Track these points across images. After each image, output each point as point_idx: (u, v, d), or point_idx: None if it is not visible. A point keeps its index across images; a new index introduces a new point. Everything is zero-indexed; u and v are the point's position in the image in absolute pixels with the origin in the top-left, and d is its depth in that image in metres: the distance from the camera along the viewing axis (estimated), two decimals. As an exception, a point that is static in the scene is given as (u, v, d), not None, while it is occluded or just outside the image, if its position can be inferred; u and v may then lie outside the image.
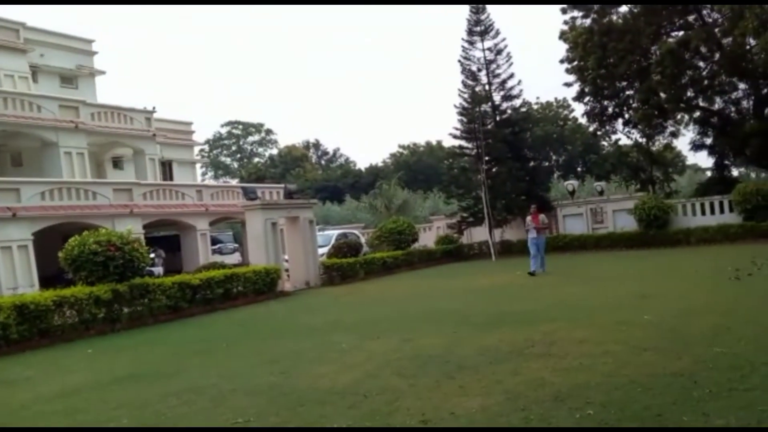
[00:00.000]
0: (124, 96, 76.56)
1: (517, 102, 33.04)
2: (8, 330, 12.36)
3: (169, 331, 13.91)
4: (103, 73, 34.53)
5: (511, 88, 32.43)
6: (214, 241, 31.47)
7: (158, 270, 24.10)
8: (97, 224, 21.64)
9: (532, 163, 35.44)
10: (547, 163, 63.22)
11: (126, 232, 15.60)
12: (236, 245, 33.74)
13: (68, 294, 13.65)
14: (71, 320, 13.68)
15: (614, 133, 34.97)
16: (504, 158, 30.85)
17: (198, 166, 44.82)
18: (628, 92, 33.30)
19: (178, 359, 10.21)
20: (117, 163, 32.47)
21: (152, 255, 21.12)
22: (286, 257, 22.65)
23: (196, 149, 41.34)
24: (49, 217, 22.14)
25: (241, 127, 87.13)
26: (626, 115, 33.64)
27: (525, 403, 5.85)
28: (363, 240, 30.19)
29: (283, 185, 32.16)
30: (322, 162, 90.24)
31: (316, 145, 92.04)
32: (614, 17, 31.34)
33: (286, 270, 21.98)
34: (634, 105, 32.73)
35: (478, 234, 31.59)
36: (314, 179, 72.48)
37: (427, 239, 33.80)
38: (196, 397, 7.25)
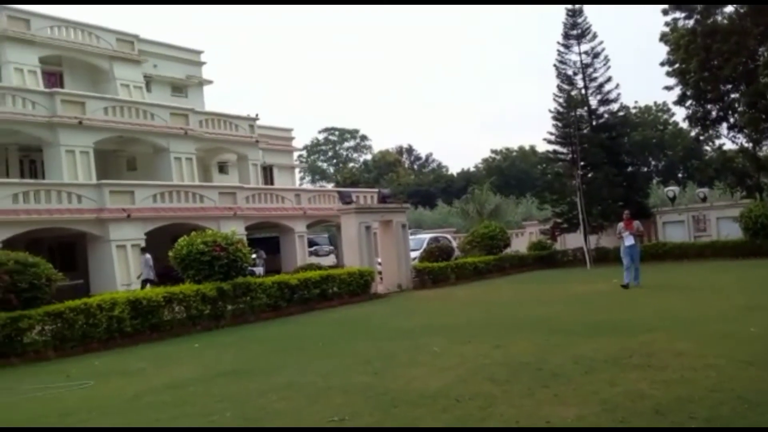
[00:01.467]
0: (228, 104, 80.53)
1: (615, 106, 32.22)
2: (123, 323, 13.31)
3: (269, 329, 14.52)
4: (210, 82, 36.34)
5: (609, 92, 31.63)
6: (311, 243, 32.39)
7: (259, 270, 25.09)
8: (204, 225, 22.87)
9: (629, 169, 34.36)
10: (645, 169, 60.80)
11: (230, 234, 16.42)
12: (332, 247, 34.56)
13: (177, 291, 14.53)
14: (180, 316, 14.56)
15: (718, 137, 33.24)
16: (600, 163, 30.07)
17: (296, 170, 46.22)
18: (733, 95, 31.61)
19: (277, 356, 10.68)
20: (222, 167, 34.06)
21: (254, 256, 22.04)
22: (379, 260, 23.03)
23: (295, 155, 42.59)
24: (160, 218, 23.55)
25: (337, 133, 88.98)
26: (731, 119, 31.94)
27: (624, 415, 5.76)
28: (454, 244, 30.20)
29: (377, 190, 32.71)
30: (415, 167, 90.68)
31: (409, 150, 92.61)
32: (719, 18, 29.89)
33: (379, 273, 22.34)
34: (739, 108, 31.04)
35: (573, 240, 30.90)
36: (407, 184, 72.97)
37: (519, 245, 33.38)
38: (294, 394, 7.57)
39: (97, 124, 25.30)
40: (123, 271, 22.06)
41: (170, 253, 15.85)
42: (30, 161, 27.12)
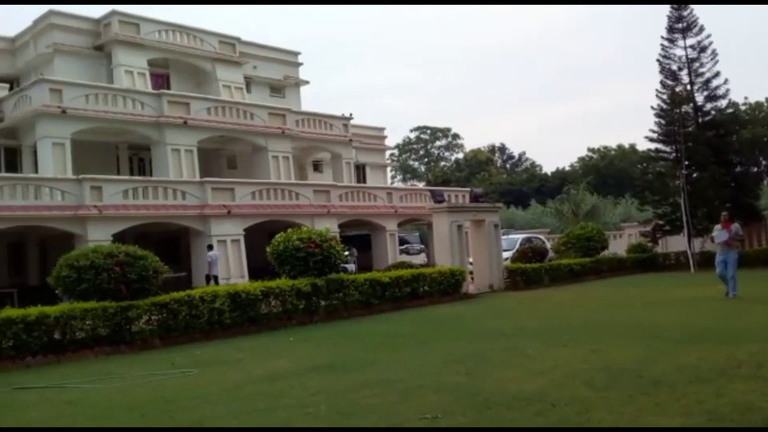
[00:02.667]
0: (323, 103, 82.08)
1: (723, 102, 30.62)
2: (223, 315, 13.86)
3: (361, 325, 14.72)
4: (306, 82, 37.22)
5: (716, 87, 30.05)
6: (402, 242, 32.54)
7: (351, 267, 25.47)
8: (298, 222, 23.45)
9: (738, 169, 32.58)
10: (756, 169, 57.25)
11: (325, 231, 16.76)
12: (422, 246, 34.60)
13: (274, 285, 14.99)
14: (276, 310, 15.01)
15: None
16: (706, 163, 28.61)
17: (388, 169, 46.61)
18: None
19: (369, 352, 10.81)
20: (317, 166, 34.83)
21: (346, 253, 22.42)
22: (471, 260, 22.87)
23: (387, 153, 42.94)
24: (257, 214, 24.36)
25: (429, 131, 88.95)
26: None
27: (731, 427, 5.48)
28: (548, 245, 29.54)
29: (468, 189, 32.44)
30: (507, 166, 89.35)
31: (501, 149, 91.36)
32: None
33: (471, 272, 22.19)
34: None
35: (675, 243, 29.58)
36: (499, 183, 72.00)
37: (618, 247, 32.23)
38: (386, 390, 7.62)
39: (201, 124, 26.46)
40: (223, 265, 22.94)
41: (268, 249, 16.35)
42: (139, 159, 28.72)
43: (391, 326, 14.28)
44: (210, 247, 22.36)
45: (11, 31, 30.23)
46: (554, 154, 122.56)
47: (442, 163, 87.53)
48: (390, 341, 11.87)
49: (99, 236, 19.98)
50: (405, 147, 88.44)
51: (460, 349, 10.47)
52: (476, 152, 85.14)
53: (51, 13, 27.82)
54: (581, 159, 76.90)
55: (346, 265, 23.78)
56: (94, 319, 12.15)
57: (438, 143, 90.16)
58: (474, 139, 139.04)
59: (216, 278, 21.33)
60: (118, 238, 19.89)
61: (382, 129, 40.01)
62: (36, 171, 23.45)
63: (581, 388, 7.13)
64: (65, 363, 11.31)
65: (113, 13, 28.38)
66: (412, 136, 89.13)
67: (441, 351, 10.40)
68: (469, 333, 12.54)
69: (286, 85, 35.91)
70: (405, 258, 28.20)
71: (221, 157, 30.59)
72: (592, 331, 11.72)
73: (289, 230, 16.45)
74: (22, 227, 20.62)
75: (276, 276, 16.12)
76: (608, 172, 68.22)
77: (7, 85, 26.53)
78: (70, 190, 20.59)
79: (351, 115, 33.54)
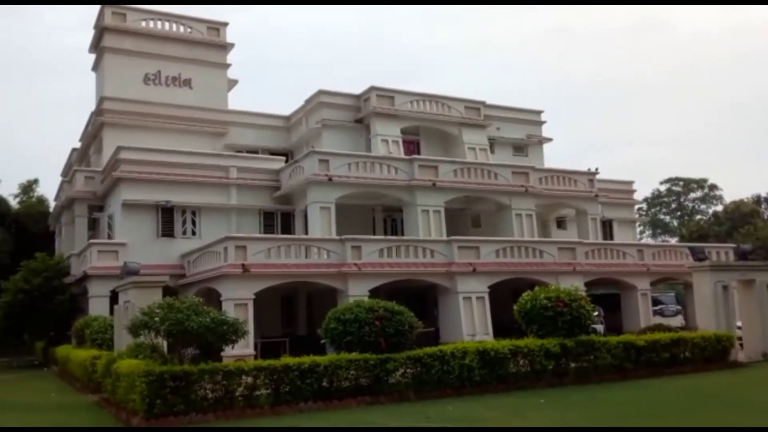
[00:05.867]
0: (565, 158, 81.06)
1: None
2: (472, 372, 14.22)
3: (615, 391, 14.07)
4: (549, 140, 37.15)
5: None
6: (655, 302, 30.40)
7: (600, 328, 24.42)
8: (542, 280, 23.20)
9: None
10: None
11: (573, 289, 16.45)
12: (678, 307, 31.96)
13: (522, 344, 15.04)
14: (524, 369, 14.99)
15: None
16: None
17: (637, 224, 44.13)
18: None
19: (627, 422, 10.31)
20: (560, 223, 34.26)
21: (595, 313, 21.64)
22: (739, 324, 20.67)
23: (635, 208, 40.78)
24: (501, 272, 24.59)
25: (681, 183, 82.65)
26: None
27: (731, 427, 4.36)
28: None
29: (734, 245, 29.48)
30: (777, 218, 79.12)
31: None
32: None
33: (739, 338, 20.04)
34: None
35: None
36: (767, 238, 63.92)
37: None
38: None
39: (448, 185, 27.70)
40: (468, 322, 23.43)
41: (515, 307, 16.47)
42: (392, 220, 30.82)
43: (650, 395, 13.44)
44: None
45: (285, 110, 34.82)
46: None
47: (698, 217, 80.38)
48: (650, 411, 11.21)
49: (358, 292, 21.75)
50: (654, 200, 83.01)
51: (731, 426, 9.55)
52: (738, 204, 76.77)
53: (320, 92, 31.61)
54: None
55: (595, 326, 22.90)
56: (357, 370, 13.25)
57: (692, 195, 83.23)
58: (734, 189, 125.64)
59: None
60: (374, 293, 21.43)
61: (630, 182, 38.22)
62: (306, 232, 26.36)
63: None
64: (333, 410, 12.43)
65: (372, 89, 31.36)
66: (663, 188, 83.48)
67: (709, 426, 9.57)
68: (741, 408, 11.35)
69: (528, 144, 36.20)
70: (659, 320, 26.29)
71: (466, 216, 31.56)
72: None
73: (537, 288, 16.43)
74: (294, 283, 23.20)
75: (522, 335, 16.11)
76: None
77: (284, 158, 30.42)
78: (335, 250, 22.77)
79: (597, 169, 32.65)
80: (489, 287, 24.18)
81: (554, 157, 72.02)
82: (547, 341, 15.28)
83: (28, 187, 45.36)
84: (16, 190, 45.39)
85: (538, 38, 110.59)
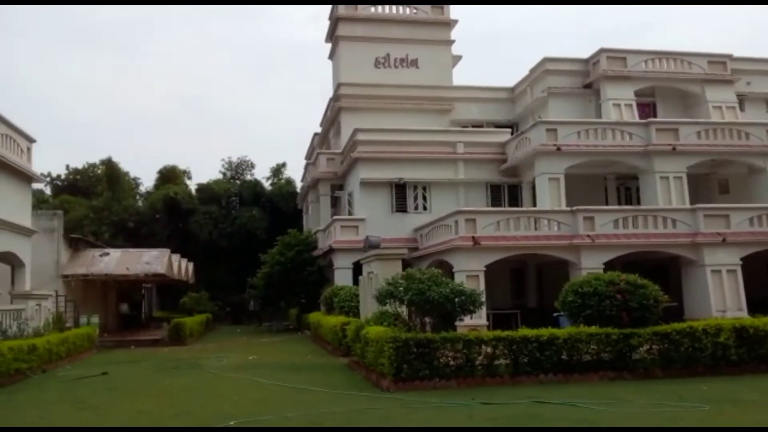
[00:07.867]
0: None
1: None
2: (728, 351, 13.09)
3: None
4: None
5: None
6: None
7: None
8: (811, 252, 20.50)
9: None
10: None
11: None
12: None
13: (787, 322, 13.49)
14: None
15: None
16: None
17: None
18: None
19: None
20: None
21: None
22: None
23: None
24: (757, 242, 22.18)
25: None
26: None
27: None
28: None
29: None
30: None
31: None
32: None
33: None
34: None
35: None
36: None
37: None
38: None
39: (690, 149, 25.49)
40: (718, 297, 21.52)
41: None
42: (625, 188, 29.19)
43: None
44: None
45: (509, 82, 34.45)
46: None
47: None
48: None
49: (591, 264, 21.03)
50: None
51: None
52: None
53: (546, 60, 30.84)
54: None
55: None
56: (598, 344, 12.89)
57: None
58: None
59: None
60: (608, 266, 20.56)
61: None
62: (534, 204, 26.02)
63: None
64: (573, 383, 12.29)
65: (601, 51, 29.87)
66: None
67: None
68: None
69: (786, 98, 31.99)
70: None
71: (712, 181, 28.80)
72: None
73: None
74: (524, 255, 23.10)
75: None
76: None
77: (509, 130, 30.22)
78: (565, 221, 22.19)
79: None
80: (741, 259, 21.97)
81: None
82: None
83: (277, 171, 50.65)
84: (267, 174, 51.02)
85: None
